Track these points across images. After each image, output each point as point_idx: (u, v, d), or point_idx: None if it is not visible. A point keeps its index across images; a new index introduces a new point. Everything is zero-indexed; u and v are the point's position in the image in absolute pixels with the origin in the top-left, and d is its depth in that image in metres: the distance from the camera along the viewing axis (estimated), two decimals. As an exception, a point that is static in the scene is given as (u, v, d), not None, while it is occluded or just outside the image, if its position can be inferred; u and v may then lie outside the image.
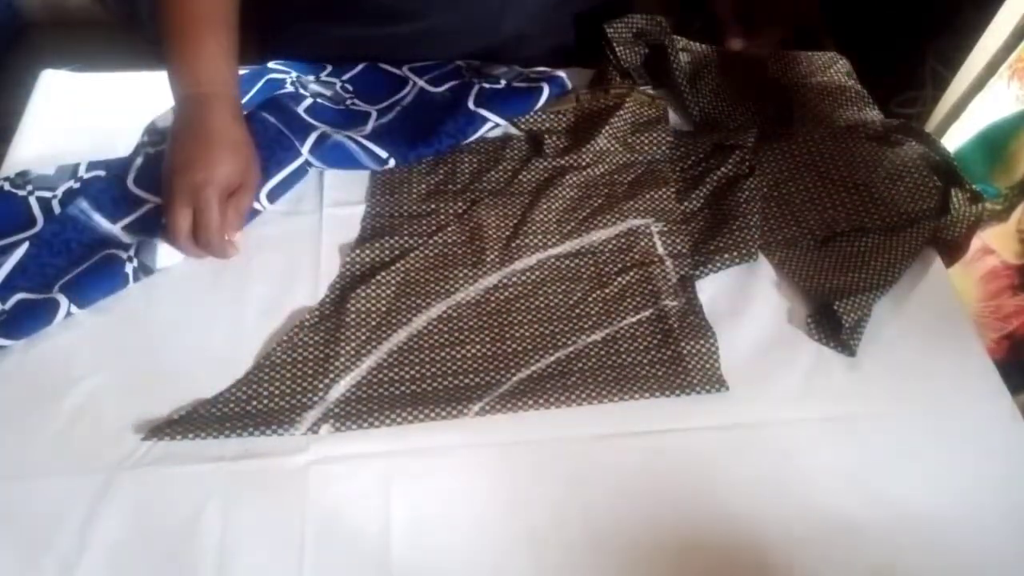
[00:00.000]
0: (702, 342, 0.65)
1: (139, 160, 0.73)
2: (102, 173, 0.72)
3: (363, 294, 0.66)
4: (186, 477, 0.57)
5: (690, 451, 0.60)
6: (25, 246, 0.65)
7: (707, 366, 0.64)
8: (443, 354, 0.64)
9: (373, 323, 0.65)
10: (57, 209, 0.70)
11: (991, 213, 0.84)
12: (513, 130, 0.81)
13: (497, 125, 0.78)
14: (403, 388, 0.62)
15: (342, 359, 0.63)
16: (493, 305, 0.67)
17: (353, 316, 0.65)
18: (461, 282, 0.68)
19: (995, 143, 0.87)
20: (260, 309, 0.66)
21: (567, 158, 0.77)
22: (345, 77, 0.83)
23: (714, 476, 0.59)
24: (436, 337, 0.65)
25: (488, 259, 0.70)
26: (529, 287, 0.69)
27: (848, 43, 0.89)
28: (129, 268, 0.65)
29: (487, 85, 0.79)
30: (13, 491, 0.56)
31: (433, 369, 0.63)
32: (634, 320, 0.67)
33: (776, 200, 0.75)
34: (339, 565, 0.54)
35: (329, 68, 0.83)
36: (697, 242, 0.72)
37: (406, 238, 0.71)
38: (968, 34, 0.88)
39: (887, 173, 0.74)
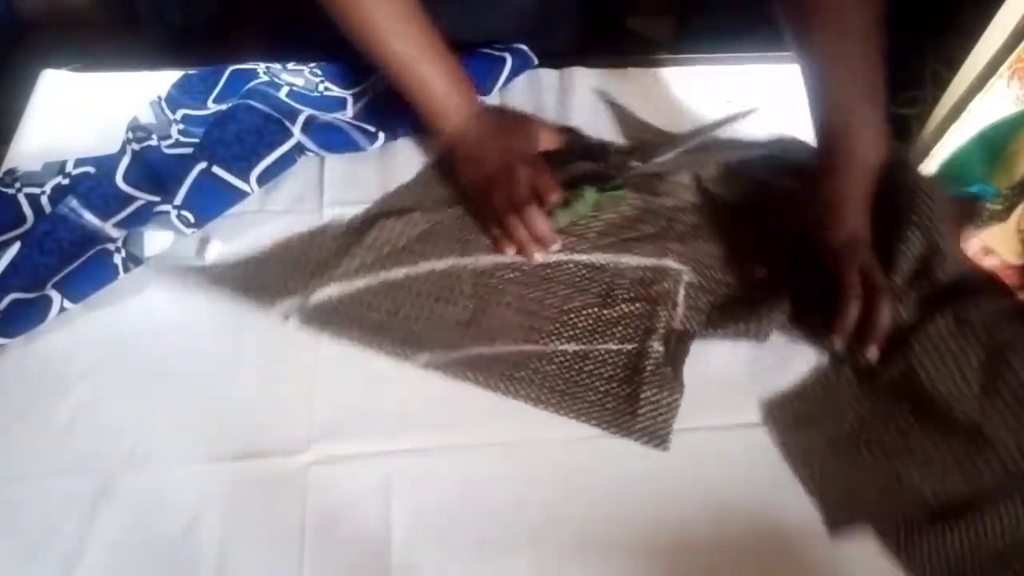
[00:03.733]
0: (664, 394, 0.61)
1: (126, 158, 0.73)
2: (91, 170, 0.72)
3: (390, 224, 0.69)
4: (186, 477, 0.57)
5: (690, 451, 0.60)
6: (17, 245, 0.65)
7: (658, 419, 0.60)
8: (426, 303, 0.66)
9: (385, 252, 0.68)
10: (47, 206, 0.70)
11: (991, 213, 0.84)
12: None
13: None
14: (375, 316, 0.65)
15: (341, 269, 0.67)
16: (495, 281, 0.68)
17: (372, 239, 0.68)
18: (479, 250, 0.70)
19: (995, 143, 0.87)
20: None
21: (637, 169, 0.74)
22: (311, 64, 0.82)
23: (714, 476, 0.59)
24: (428, 286, 0.67)
25: None
26: (534, 278, 0.69)
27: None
28: (118, 259, 0.65)
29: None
30: (13, 491, 0.56)
31: (409, 312, 0.66)
32: (614, 348, 0.65)
33: None
34: (339, 565, 0.54)
35: (292, 62, 0.82)
36: (720, 306, 0.68)
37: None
38: (968, 34, 0.88)
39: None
